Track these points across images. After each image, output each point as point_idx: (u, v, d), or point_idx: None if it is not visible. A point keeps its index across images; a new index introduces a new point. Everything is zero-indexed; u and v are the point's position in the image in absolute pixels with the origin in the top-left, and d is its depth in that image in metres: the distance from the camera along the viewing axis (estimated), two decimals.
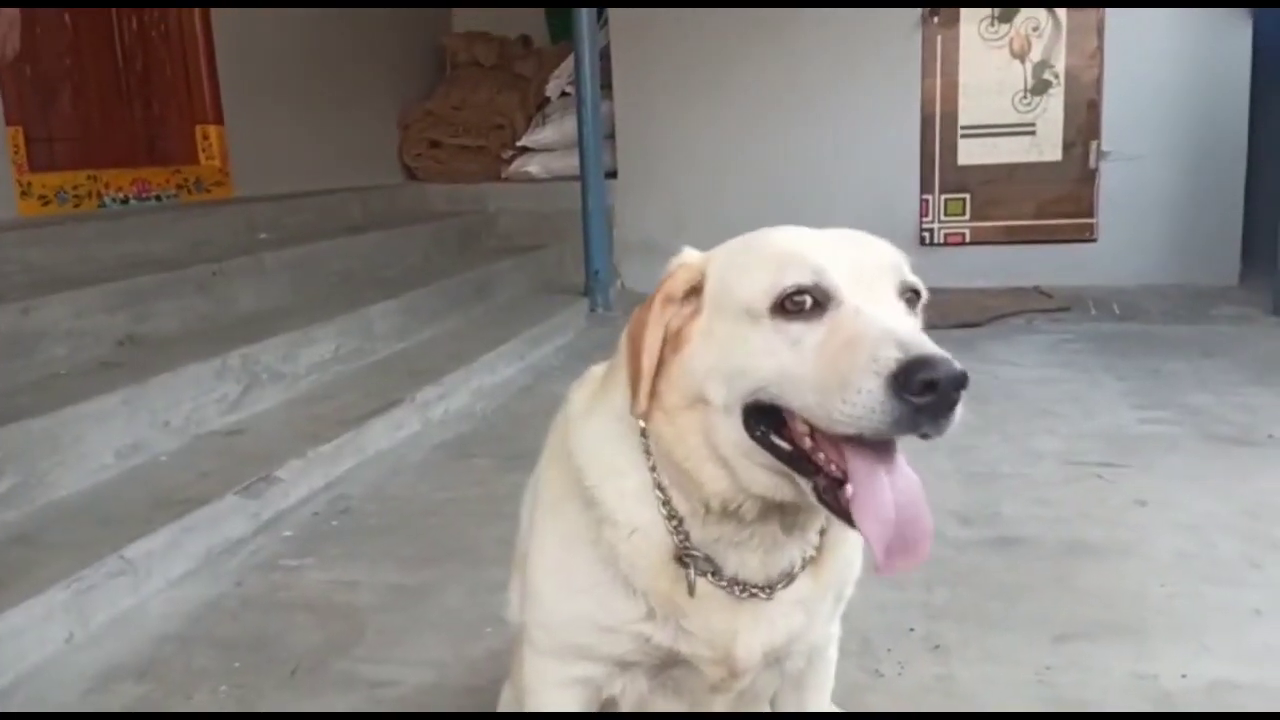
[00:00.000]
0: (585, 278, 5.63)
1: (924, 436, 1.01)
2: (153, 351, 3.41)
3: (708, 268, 1.18)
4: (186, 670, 2.10)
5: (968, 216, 6.00)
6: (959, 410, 1.00)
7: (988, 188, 5.95)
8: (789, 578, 1.22)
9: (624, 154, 6.35)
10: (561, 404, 1.35)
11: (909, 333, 1.01)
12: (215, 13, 5.19)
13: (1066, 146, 5.88)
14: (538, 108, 6.92)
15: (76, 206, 4.49)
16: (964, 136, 5.92)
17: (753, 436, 1.11)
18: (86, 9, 4.60)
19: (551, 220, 6.30)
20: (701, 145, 6.21)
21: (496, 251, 6.10)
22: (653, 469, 1.20)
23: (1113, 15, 5.72)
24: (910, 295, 1.15)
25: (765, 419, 1.10)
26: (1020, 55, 5.83)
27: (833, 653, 1.42)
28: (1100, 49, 5.75)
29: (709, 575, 1.20)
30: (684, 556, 1.20)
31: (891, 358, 0.98)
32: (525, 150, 6.79)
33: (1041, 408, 3.76)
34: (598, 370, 1.37)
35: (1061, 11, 5.75)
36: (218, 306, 3.91)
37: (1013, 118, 5.87)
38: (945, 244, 6.04)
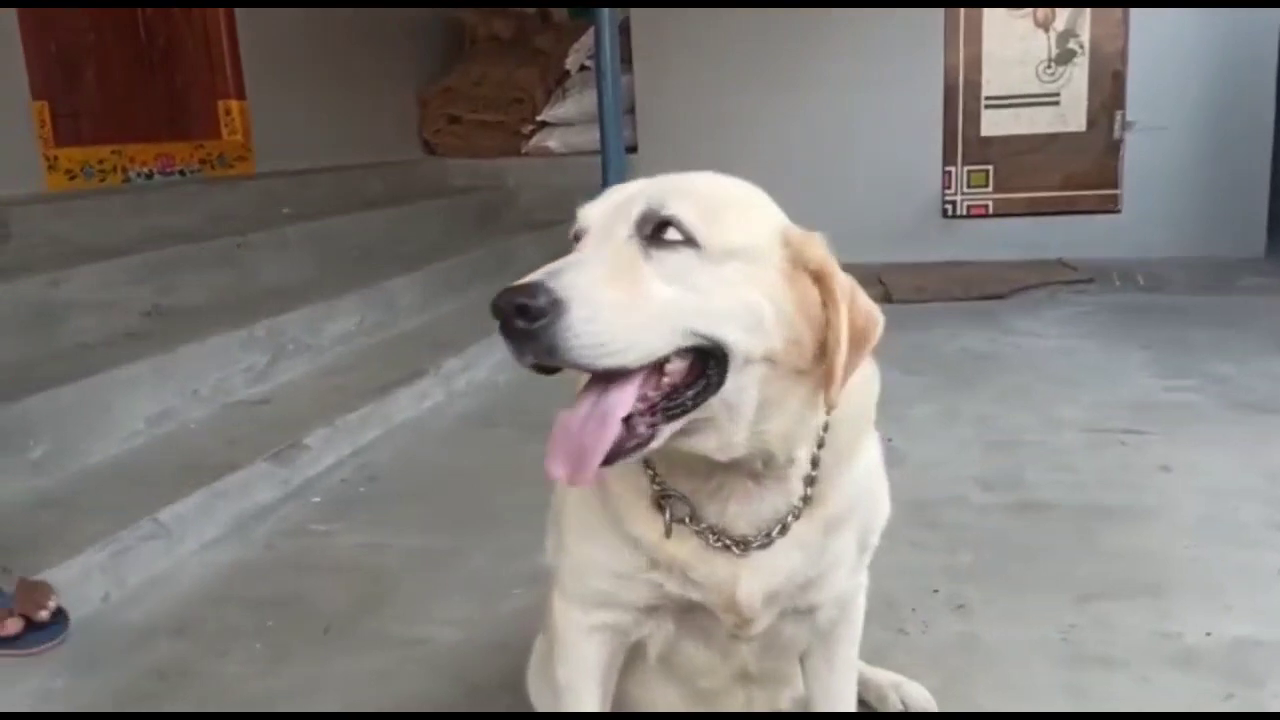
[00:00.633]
0: None
1: (543, 370, 1.03)
2: (179, 322, 3.45)
3: None
4: (221, 628, 2.15)
5: (991, 188, 5.96)
6: (559, 336, 0.98)
7: (1011, 159, 5.91)
8: (782, 526, 1.22)
9: (644, 128, 6.34)
10: None
11: (552, 268, 1.02)
12: None
13: (1091, 117, 5.82)
14: (557, 82, 6.90)
15: (102, 181, 4.53)
16: (988, 107, 5.87)
17: None
18: None
19: (571, 195, 6.15)
20: (722, 118, 6.18)
21: (516, 226, 6.11)
22: None
23: None
24: (656, 225, 1.08)
25: None
26: (1044, 25, 5.77)
27: (861, 603, 1.43)
28: (1125, 18, 5.68)
29: (686, 520, 1.21)
30: (660, 500, 1.21)
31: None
32: (544, 125, 6.78)
33: (1064, 377, 3.74)
34: None
35: None
36: (242, 279, 3.95)
37: (1036, 88, 5.81)
38: (968, 216, 6.00)
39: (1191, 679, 1.81)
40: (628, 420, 1.05)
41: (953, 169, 5.97)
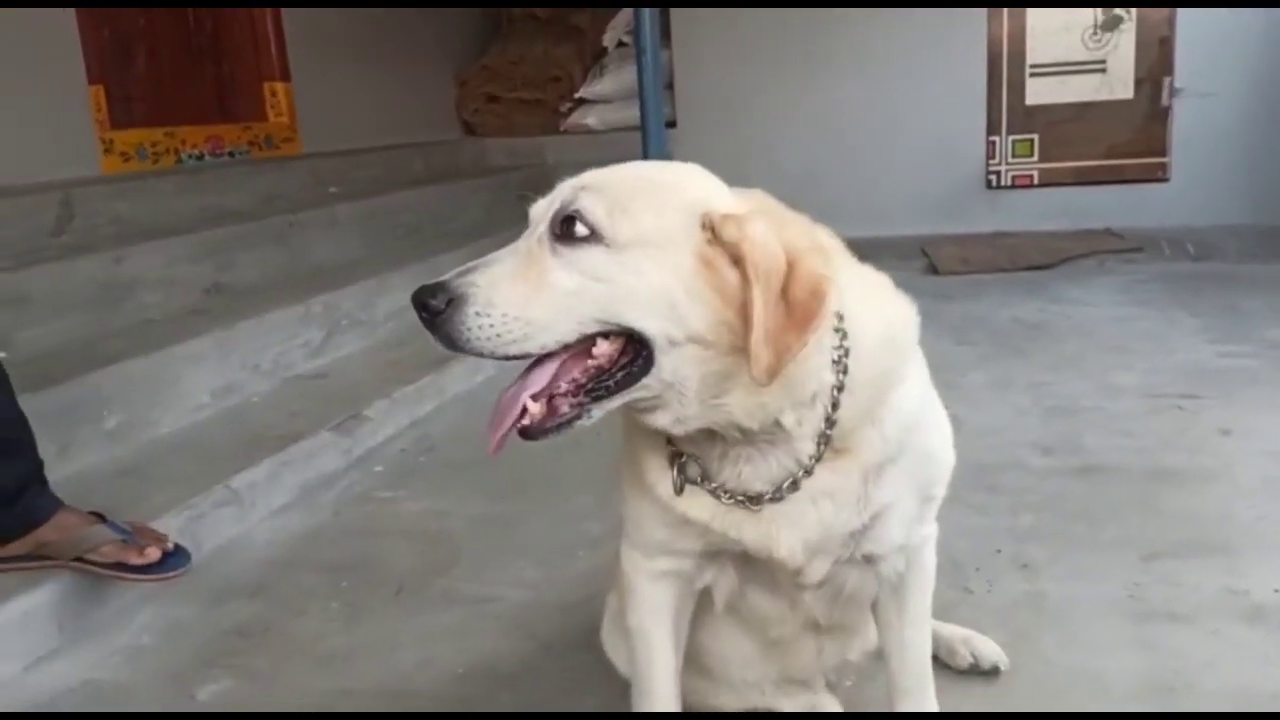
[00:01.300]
0: None
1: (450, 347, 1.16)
2: (238, 299, 3.52)
3: None
4: (297, 589, 2.21)
5: (1036, 158, 5.89)
6: (453, 326, 1.13)
7: (1057, 128, 5.83)
8: (793, 482, 1.23)
9: (683, 103, 6.32)
10: None
11: (465, 267, 1.15)
12: None
13: (1138, 84, 5.73)
14: (594, 59, 6.91)
15: (155, 163, 4.61)
16: (1032, 75, 5.79)
17: None
18: None
19: None
20: (761, 92, 6.16)
21: None
22: None
23: None
24: (564, 221, 1.13)
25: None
26: None
27: (929, 556, 1.43)
28: None
29: (698, 480, 1.24)
30: (674, 460, 1.25)
31: None
32: (583, 102, 6.79)
33: (1117, 345, 3.72)
34: None
35: None
36: (294, 257, 4.02)
37: (1082, 55, 5.72)
38: (1013, 186, 5.94)
39: (1261, 633, 1.81)
40: (550, 400, 1.15)
41: (997, 139, 5.91)
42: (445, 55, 6.95)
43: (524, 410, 1.16)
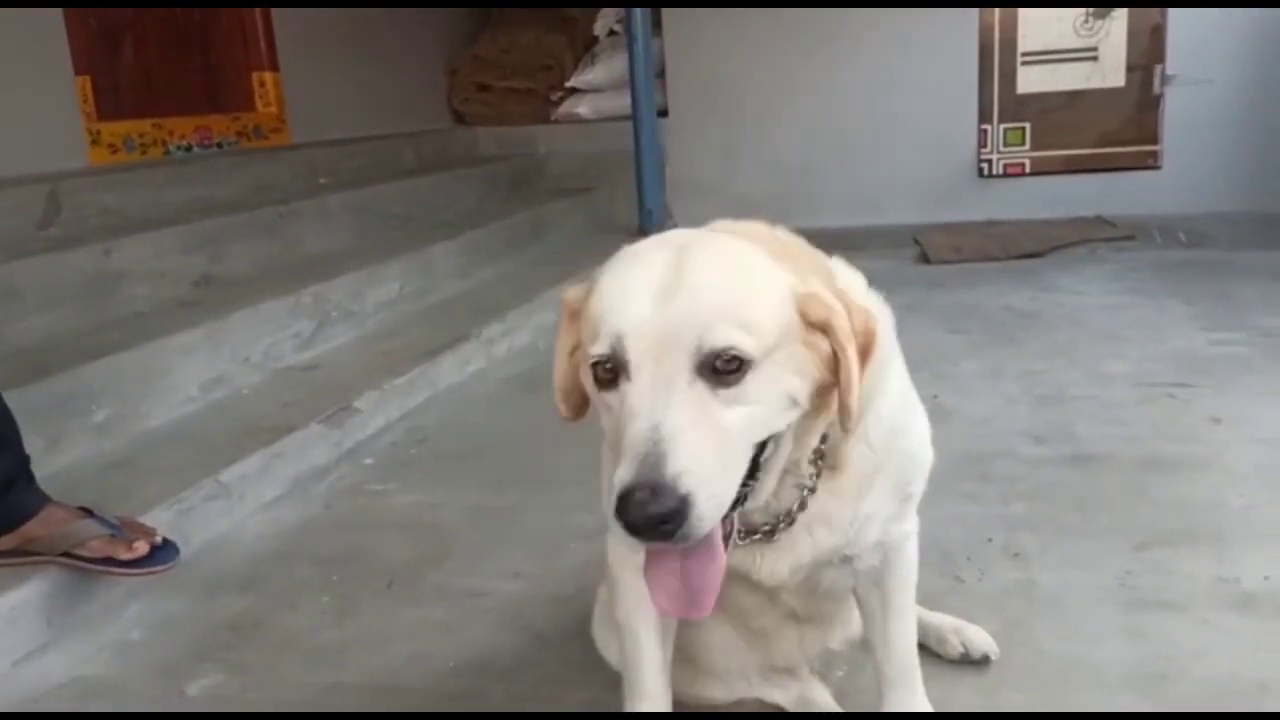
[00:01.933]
0: (639, 217, 5.63)
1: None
2: (228, 290, 3.50)
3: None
4: (288, 583, 2.20)
5: (1028, 146, 5.88)
6: (694, 527, 0.99)
7: (1048, 116, 5.82)
8: (789, 514, 1.25)
9: (674, 92, 6.30)
10: None
11: (644, 442, 0.99)
12: None
13: (1130, 72, 5.72)
14: (585, 48, 6.87)
15: (143, 154, 4.58)
16: (1024, 64, 5.78)
17: None
18: None
19: (602, 161, 6.29)
20: (753, 80, 6.14)
21: (549, 193, 6.12)
22: None
23: None
24: (724, 362, 1.04)
25: None
26: None
27: (911, 550, 1.43)
28: None
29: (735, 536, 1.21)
30: None
31: (619, 480, 0.98)
32: (574, 91, 6.76)
33: (1109, 333, 3.72)
34: None
35: None
36: (286, 248, 3.99)
37: (1074, 43, 5.71)
38: (1005, 175, 5.93)
39: (1251, 621, 1.81)
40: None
41: (989, 127, 5.90)
42: (435, 44, 6.91)
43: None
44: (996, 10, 5.75)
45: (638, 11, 5.39)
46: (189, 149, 4.85)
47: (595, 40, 6.87)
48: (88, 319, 3.06)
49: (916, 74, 5.92)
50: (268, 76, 5.35)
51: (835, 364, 1.11)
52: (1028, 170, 5.92)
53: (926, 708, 1.50)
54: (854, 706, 1.61)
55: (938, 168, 5.97)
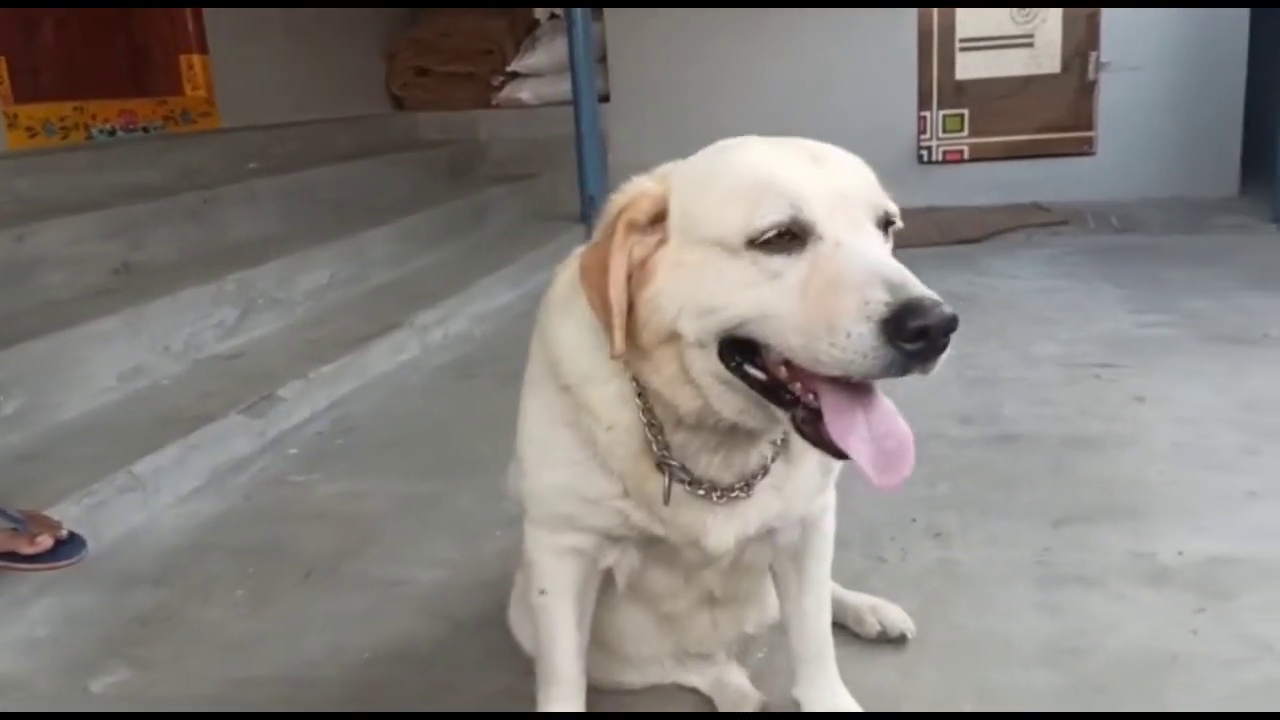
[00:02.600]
0: (580, 203, 5.59)
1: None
2: (149, 278, 3.40)
3: (670, 194, 1.12)
4: (203, 576, 2.14)
5: (966, 133, 5.94)
6: (947, 351, 0.98)
7: (986, 103, 5.88)
8: (764, 470, 1.25)
9: (616, 77, 6.27)
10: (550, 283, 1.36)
11: (895, 271, 0.99)
12: None
13: (1065, 59, 5.80)
14: (526, 32, 6.80)
15: (64, 138, 4.43)
16: (962, 50, 5.83)
17: (728, 368, 1.09)
18: None
19: (544, 146, 6.24)
20: (694, 65, 6.12)
21: (489, 179, 6.05)
22: (633, 378, 1.19)
23: None
24: (885, 221, 1.11)
25: (741, 350, 1.08)
26: None
27: (828, 524, 1.44)
28: None
29: (685, 483, 1.22)
30: (661, 464, 1.21)
31: (881, 301, 0.96)
32: (515, 76, 6.69)
33: (1041, 316, 3.77)
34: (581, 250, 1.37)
35: None
36: (211, 234, 3.90)
37: (1011, 30, 5.78)
38: (944, 161, 5.99)
39: (1164, 595, 1.84)
40: None
41: (928, 114, 5.95)
42: (373, 27, 6.79)
43: None
44: None
45: None
46: (113, 133, 4.71)
47: (536, 24, 6.81)
48: None
49: (857, 59, 5.94)
50: (196, 59, 5.20)
51: None
52: (966, 157, 5.98)
53: (838, 684, 1.49)
54: (773, 688, 1.60)
55: (878, 154, 5.77)
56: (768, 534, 1.35)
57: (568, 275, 1.29)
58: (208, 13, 5.18)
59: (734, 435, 1.20)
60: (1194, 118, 5.75)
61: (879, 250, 1.05)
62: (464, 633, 1.86)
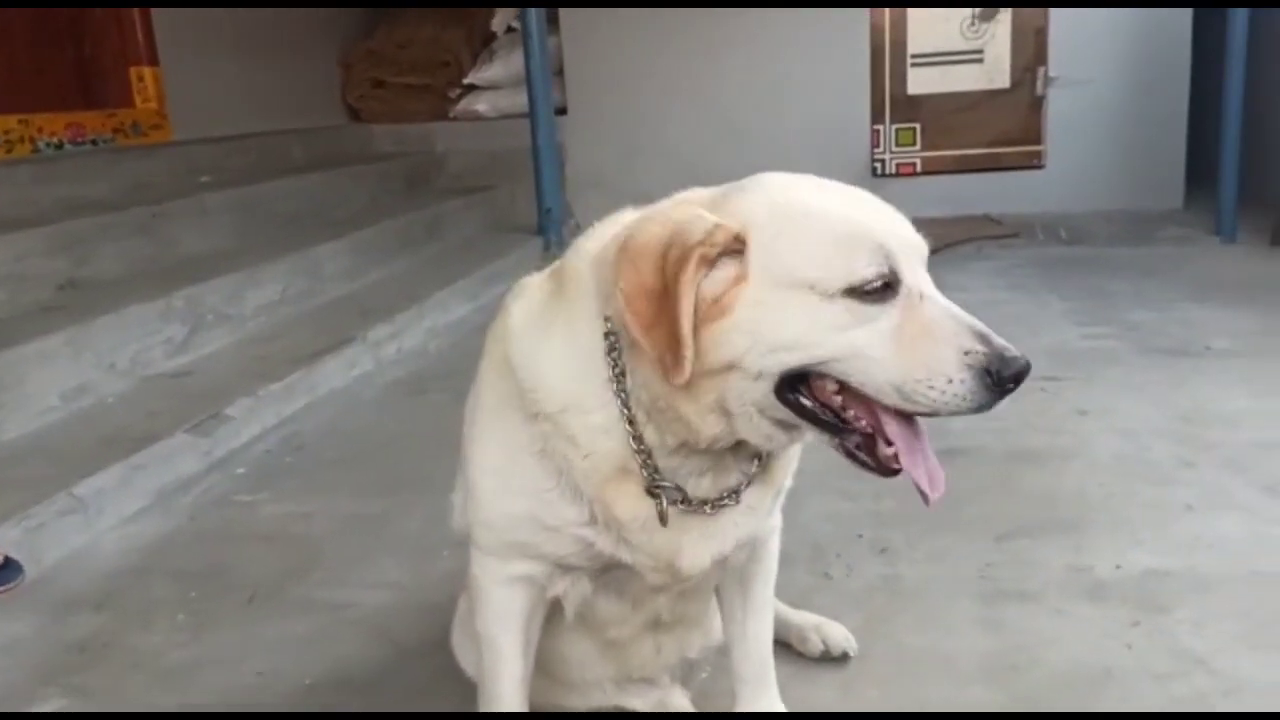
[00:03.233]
0: (538, 216, 5.59)
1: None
2: (95, 294, 3.35)
3: (749, 232, 1.13)
4: (144, 600, 2.11)
5: (919, 146, 6.02)
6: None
7: (938, 118, 5.97)
8: (747, 482, 1.27)
9: (573, 90, 6.28)
10: (499, 313, 1.36)
11: (976, 322, 1.13)
12: None
13: (1015, 74, 5.90)
14: (484, 44, 6.79)
15: (9, 152, 4.36)
16: (914, 65, 5.91)
17: (783, 399, 1.13)
18: None
19: (501, 159, 6.23)
20: (650, 79, 6.15)
21: (446, 191, 6.03)
22: (623, 403, 1.18)
23: None
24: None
25: (797, 382, 1.13)
26: None
27: (775, 544, 1.46)
28: None
29: (679, 502, 1.22)
30: (653, 489, 1.21)
31: (980, 352, 1.09)
32: (472, 88, 6.68)
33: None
34: (534, 280, 1.37)
35: None
36: (160, 249, 3.85)
37: (960, 45, 5.86)
38: (897, 174, 6.06)
39: (1101, 609, 1.87)
40: None
41: (881, 127, 6.02)
42: (328, 38, 6.75)
43: None
44: (887, 11, 5.86)
45: (532, 10, 5.35)
46: (60, 146, 4.64)
47: (494, 36, 6.80)
48: None
49: (811, 73, 6.00)
50: (147, 71, 5.14)
51: None
52: (919, 170, 6.06)
53: (779, 704, 1.50)
54: (717, 708, 1.61)
55: (833, 166, 5.87)
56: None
57: (525, 305, 1.29)
58: (159, 23, 5.12)
59: (723, 458, 1.22)
60: (1140, 132, 5.87)
61: (945, 300, 1.15)
62: (408, 657, 1.85)
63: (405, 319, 3.95)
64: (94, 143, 4.82)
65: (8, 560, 1.99)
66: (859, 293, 1.09)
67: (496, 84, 6.59)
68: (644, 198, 1.29)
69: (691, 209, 1.15)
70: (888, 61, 5.93)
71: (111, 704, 1.76)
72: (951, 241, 5.38)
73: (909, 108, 5.98)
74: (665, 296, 1.09)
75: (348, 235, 4.49)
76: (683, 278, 1.08)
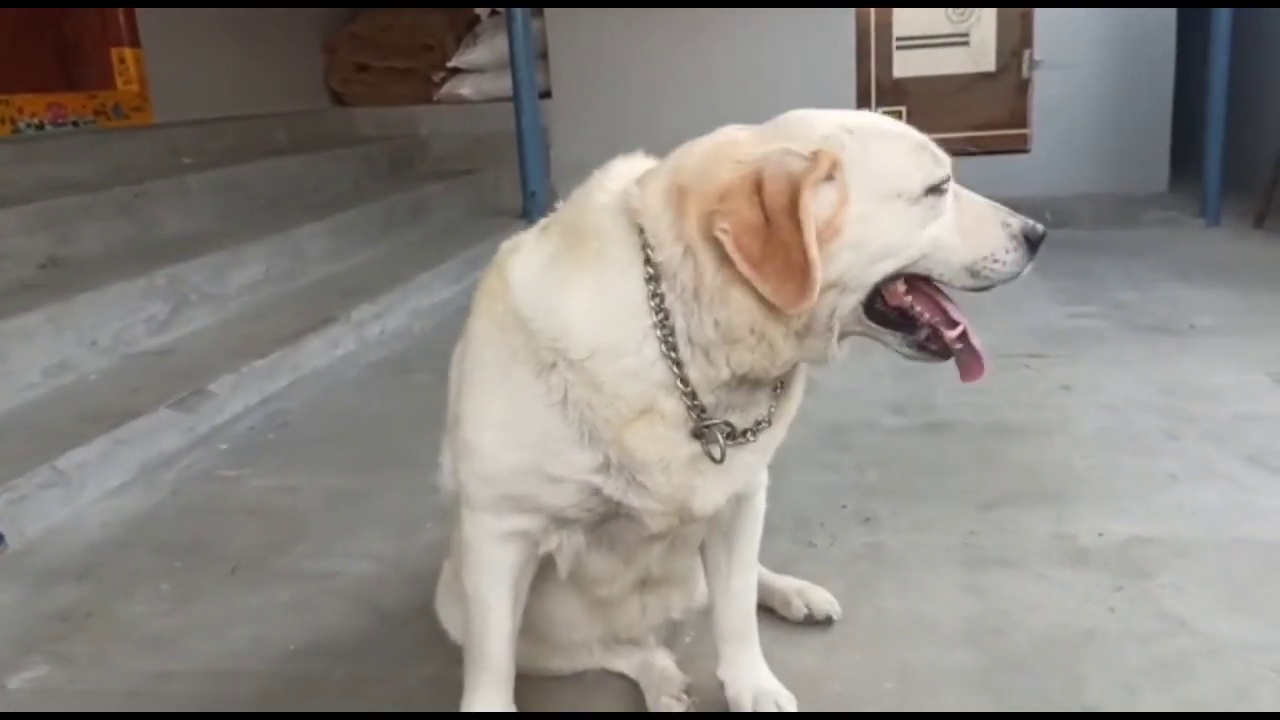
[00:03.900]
0: (522, 199, 5.57)
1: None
2: (77, 273, 3.32)
3: (841, 156, 1.19)
4: (126, 572, 2.09)
5: None
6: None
7: (925, 101, 5.96)
8: (769, 419, 1.29)
9: (557, 73, 6.25)
10: (490, 272, 1.35)
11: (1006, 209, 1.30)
12: None
13: (1000, 58, 5.90)
14: (468, 27, 6.76)
15: None
16: (899, 48, 5.90)
17: (868, 311, 1.23)
18: None
19: (486, 142, 6.20)
20: (635, 62, 6.13)
21: (430, 175, 6.00)
22: (665, 344, 1.18)
23: None
24: None
25: (876, 293, 1.24)
26: None
27: (761, 500, 1.46)
28: None
29: (727, 437, 1.24)
30: (702, 428, 1.22)
31: (1014, 224, 1.28)
32: (456, 72, 6.64)
33: (974, 308, 3.77)
34: (527, 238, 1.36)
35: None
36: (142, 229, 3.82)
37: (946, 28, 5.86)
38: None
39: (1084, 575, 1.89)
40: None
41: (867, 110, 6.01)
42: (312, 21, 6.70)
43: None
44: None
45: None
46: (40, 127, 4.60)
47: (477, 20, 6.76)
48: None
49: (796, 56, 5.99)
50: (128, 53, 5.10)
51: None
52: None
53: (761, 664, 1.51)
54: (700, 672, 1.60)
55: None
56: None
57: (527, 258, 1.28)
58: (140, 5, 5.07)
59: (757, 389, 1.26)
60: (1125, 115, 5.88)
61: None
62: (392, 624, 1.85)
63: (389, 300, 3.93)
64: (75, 124, 4.78)
65: None
66: (936, 190, 1.23)
67: (480, 67, 6.55)
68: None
69: (775, 145, 1.20)
70: (874, 45, 5.92)
71: (93, 671, 1.76)
72: None
73: (895, 91, 5.97)
74: (771, 229, 1.13)
75: (331, 217, 4.47)
76: (803, 205, 1.14)
